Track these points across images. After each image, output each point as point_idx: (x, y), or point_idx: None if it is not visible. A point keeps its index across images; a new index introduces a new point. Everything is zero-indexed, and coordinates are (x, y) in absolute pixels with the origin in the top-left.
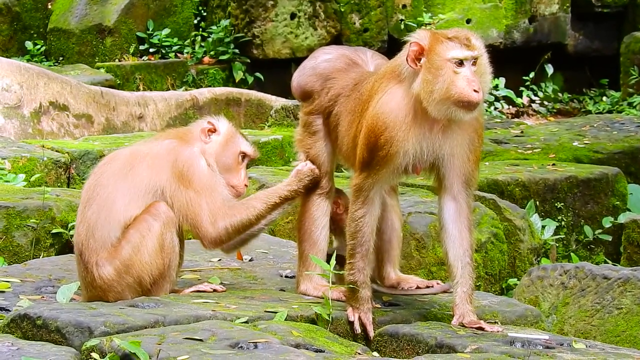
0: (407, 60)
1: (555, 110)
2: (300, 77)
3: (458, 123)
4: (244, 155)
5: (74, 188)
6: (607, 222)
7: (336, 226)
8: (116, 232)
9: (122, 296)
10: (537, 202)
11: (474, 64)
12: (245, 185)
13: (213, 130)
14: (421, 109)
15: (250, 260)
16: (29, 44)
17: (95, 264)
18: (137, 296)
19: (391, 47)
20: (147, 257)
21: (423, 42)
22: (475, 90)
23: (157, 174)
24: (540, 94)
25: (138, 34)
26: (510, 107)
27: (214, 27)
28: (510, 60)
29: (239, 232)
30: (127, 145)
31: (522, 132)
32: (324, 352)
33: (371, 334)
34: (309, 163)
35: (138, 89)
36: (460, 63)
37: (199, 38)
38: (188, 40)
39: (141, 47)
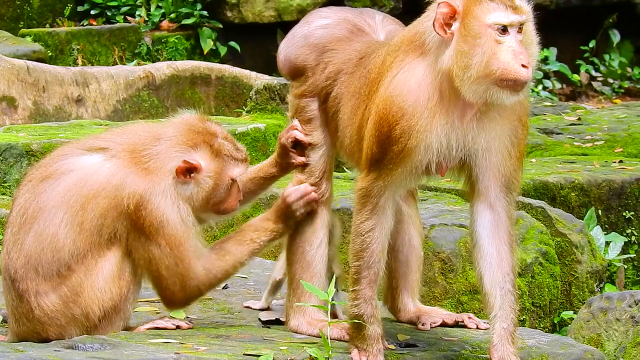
0: (434, 25)
1: (622, 91)
2: (289, 49)
3: (498, 108)
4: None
5: None
6: None
7: None
8: (65, 269)
9: (65, 331)
10: (600, 211)
11: (520, 31)
12: (239, 201)
13: (193, 169)
14: (449, 90)
15: (224, 288)
16: None
17: (35, 293)
18: (83, 333)
19: (408, 9)
20: (101, 282)
21: (455, 3)
22: (523, 65)
23: (112, 218)
24: (603, 69)
25: None
26: (564, 86)
27: None
28: (565, 26)
29: (212, 288)
30: (64, 139)
31: (579, 118)
32: None
33: None
34: (302, 186)
35: (76, 64)
36: (504, 30)
37: None
38: None
39: (79, 8)
